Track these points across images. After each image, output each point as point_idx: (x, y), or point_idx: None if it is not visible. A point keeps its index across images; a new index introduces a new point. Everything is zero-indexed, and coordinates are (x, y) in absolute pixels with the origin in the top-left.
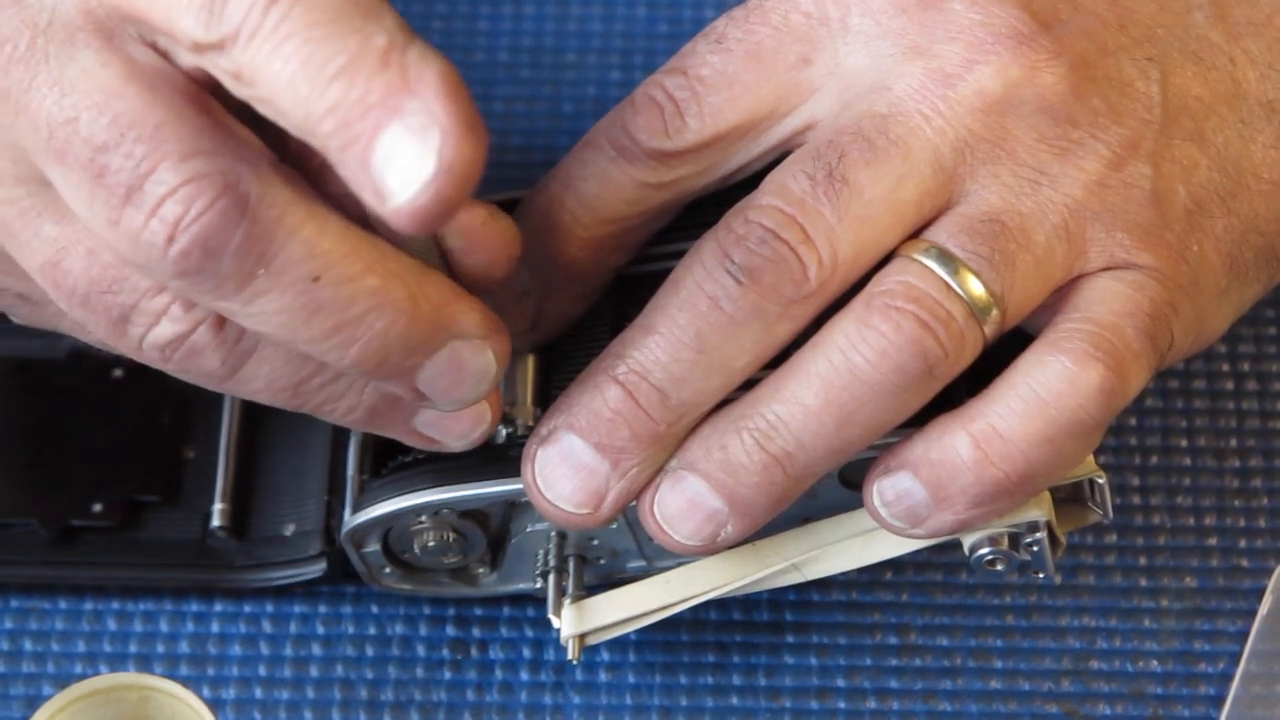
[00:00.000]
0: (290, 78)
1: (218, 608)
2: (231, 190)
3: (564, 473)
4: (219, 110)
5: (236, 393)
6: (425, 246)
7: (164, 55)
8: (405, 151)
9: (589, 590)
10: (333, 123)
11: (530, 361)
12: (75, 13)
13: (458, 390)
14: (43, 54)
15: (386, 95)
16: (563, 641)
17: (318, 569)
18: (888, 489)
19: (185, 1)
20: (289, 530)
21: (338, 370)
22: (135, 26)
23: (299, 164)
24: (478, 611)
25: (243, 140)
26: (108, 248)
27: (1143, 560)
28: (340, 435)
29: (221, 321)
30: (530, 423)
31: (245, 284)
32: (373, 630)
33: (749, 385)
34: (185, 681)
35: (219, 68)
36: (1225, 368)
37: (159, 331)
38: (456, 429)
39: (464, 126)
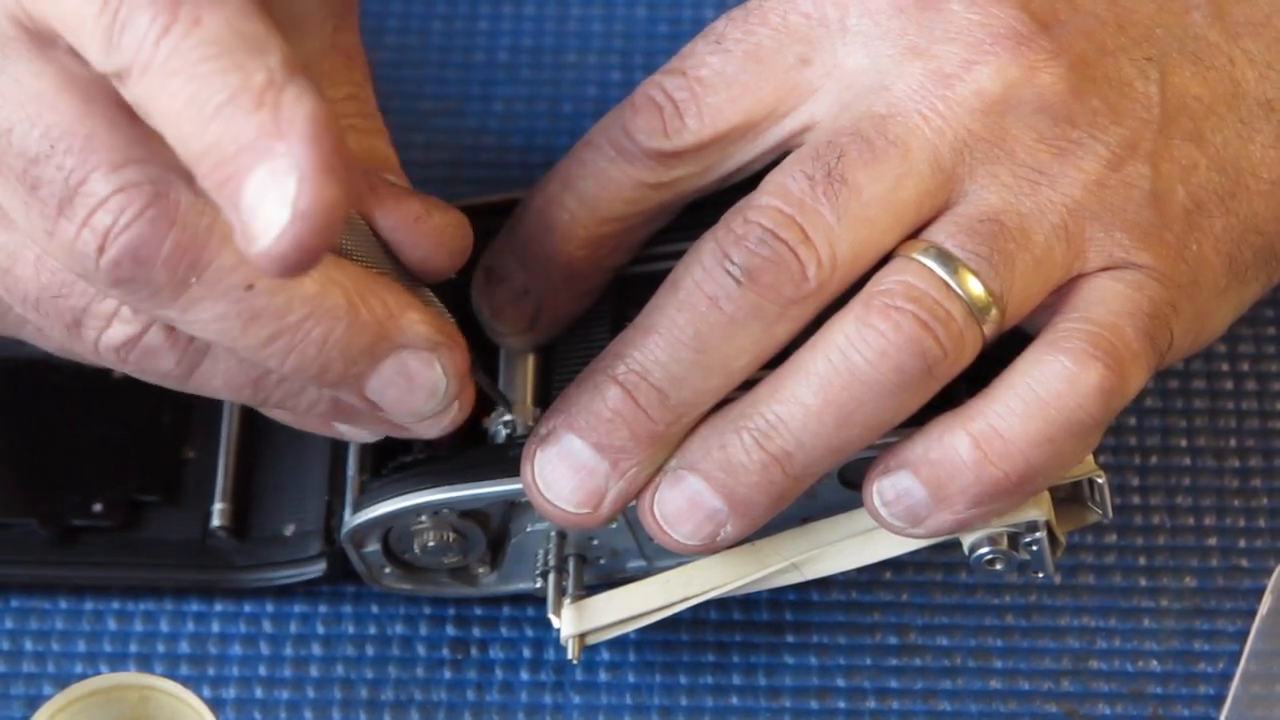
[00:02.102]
0: (176, 114)
1: (218, 608)
2: (161, 199)
3: (563, 472)
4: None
5: (198, 391)
6: (370, 251)
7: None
8: (268, 196)
9: (589, 590)
10: (208, 163)
11: (530, 361)
12: (7, 23)
13: (409, 402)
14: None
15: (258, 137)
16: (562, 641)
17: (318, 569)
18: (887, 488)
19: (88, 29)
20: (289, 530)
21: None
22: (62, 39)
23: None
24: (478, 611)
25: (173, 151)
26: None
27: (1142, 560)
28: None
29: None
30: (530, 422)
31: (179, 292)
32: (373, 630)
33: (748, 385)
34: (185, 681)
35: (125, 95)
36: (1225, 367)
37: (112, 334)
38: (427, 420)
39: (323, 171)
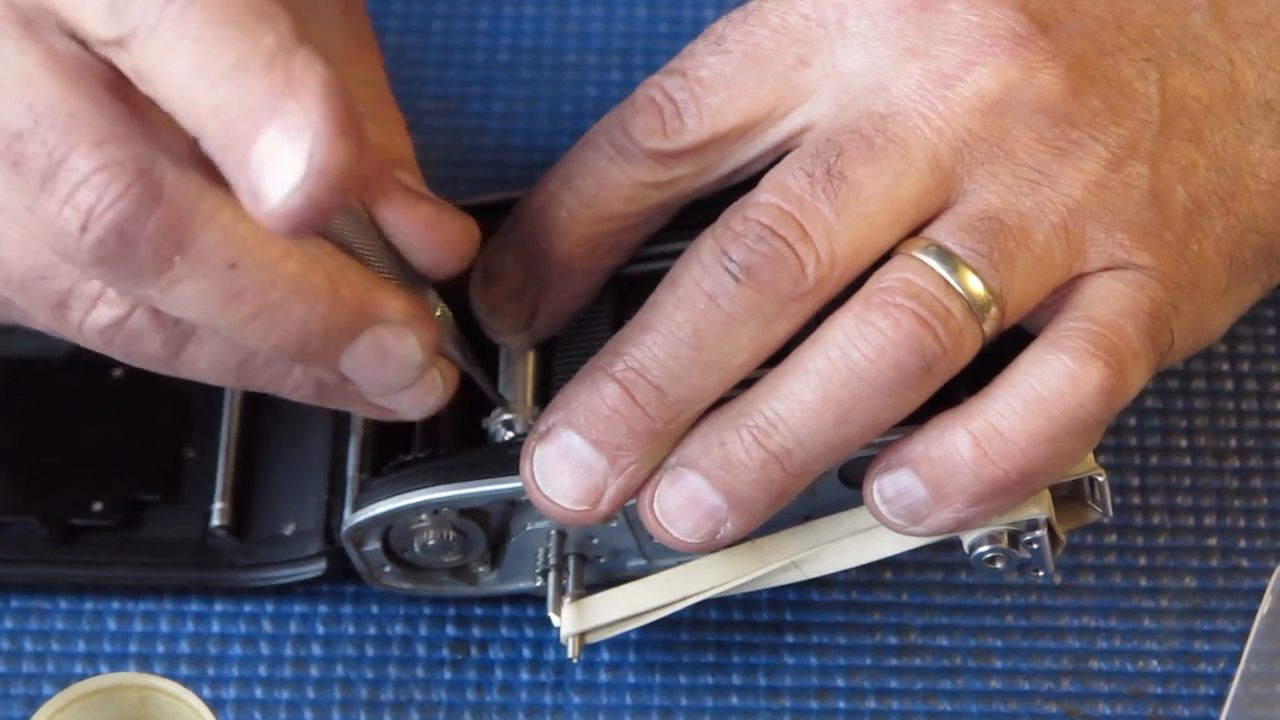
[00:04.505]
0: (183, 78)
1: (218, 607)
2: (145, 177)
3: (562, 469)
4: (137, 97)
5: (183, 374)
6: (362, 230)
7: (82, 44)
8: (280, 154)
9: (589, 589)
10: (216, 123)
11: (530, 361)
12: None
13: (382, 375)
14: None
15: (269, 97)
16: (563, 639)
17: (318, 568)
18: (888, 486)
19: None
20: (289, 529)
21: (264, 354)
22: (53, 16)
23: None
24: (478, 611)
25: (159, 126)
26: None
27: (1143, 560)
28: (340, 434)
29: None
30: (530, 421)
31: (162, 271)
32: (373, 630)
33: (748, 384)
34: (185, 681)
35: (123, 65)
36: (1225, 367)
37: (97, 316)
38: (408, 399)
39: (338, 130)
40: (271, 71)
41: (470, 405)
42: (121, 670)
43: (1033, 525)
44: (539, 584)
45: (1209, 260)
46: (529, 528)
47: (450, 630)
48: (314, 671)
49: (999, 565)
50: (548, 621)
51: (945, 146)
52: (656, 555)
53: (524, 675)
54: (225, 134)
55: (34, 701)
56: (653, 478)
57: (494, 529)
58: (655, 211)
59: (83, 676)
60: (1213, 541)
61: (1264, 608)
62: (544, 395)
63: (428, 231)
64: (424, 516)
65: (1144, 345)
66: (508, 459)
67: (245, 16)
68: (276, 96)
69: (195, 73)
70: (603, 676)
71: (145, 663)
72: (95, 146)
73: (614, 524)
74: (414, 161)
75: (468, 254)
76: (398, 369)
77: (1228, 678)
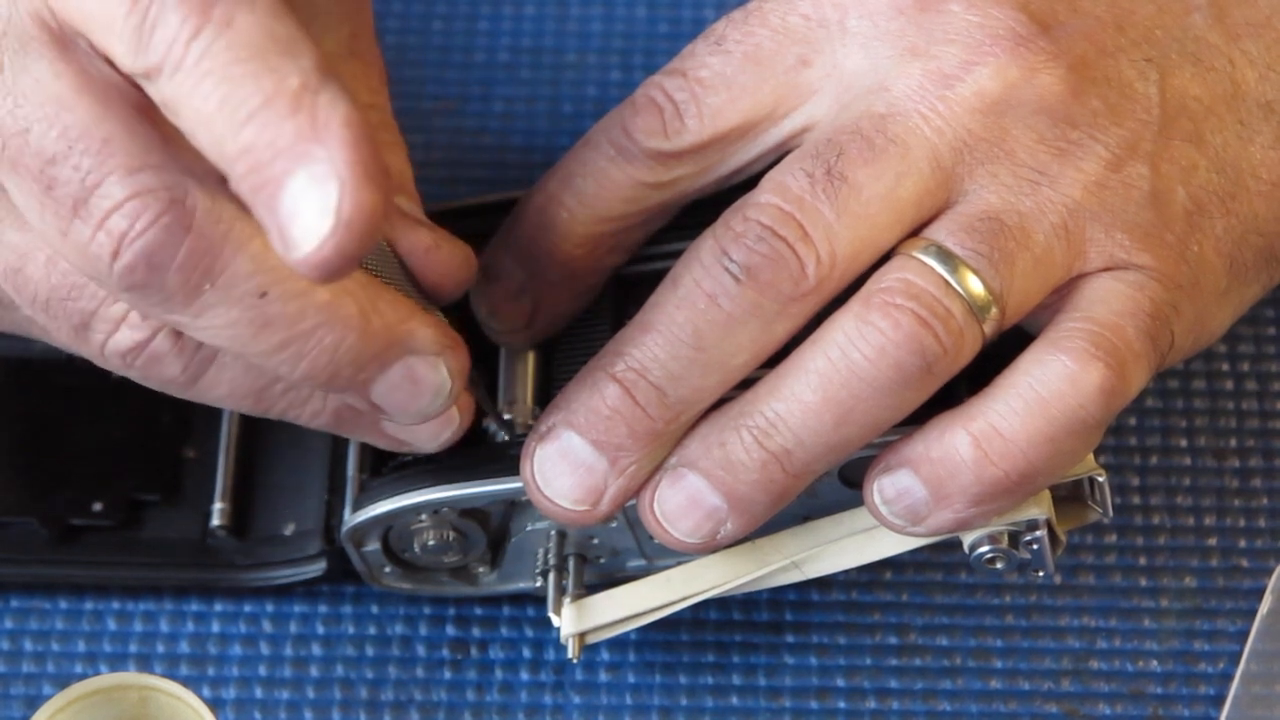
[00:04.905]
0: (209, 116)
1: (218, 607)
2: (177, 205)
3: (562, 470)
4: (169, 123)
5: (201, 399)
6: (382, 258)
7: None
8: (307, 202)
9: (589, 589)
10: (244, 165)
11: (530, 361)
12: (30, 22)
13: (413, 404)
14: None
15: (295, 141)
16: (563, 640)
17: (318, 568)
18: (888, 486)
19: (117, 28)
20: (289, 529)
21: (291, 382)
22: (86, 39)
23: None
24: (478, 611)
25: (191, 151)
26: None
27: (1142, 560)
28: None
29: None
30: (530, 421)
31: (192, 298)
32: (373, 630)
33: (748, 384)
34: (185, 681)
35: (152, 94)
36: (1225, 367)
37: (119, 338)
38: (424, 431)
39: (364, 177)
40: (297, 114)
41: None
42: (121, 670)
43: (1033, 525)
44: (539, 584)
45: (1209, 261)
46: (529, 528)
47: (450, 630)
48: (314, 671)
49: (999, 565)
50: (548, 621)
51: (945, 146)
52: (656, 555)
53: (524, 675)
54: (253, 177)
55: (34, 701)
56: (653, 478)
57: (494, 529)
58: (655, 211)
59: (83, 676)
60: (1213, 541)
61: (1264, 608)
62: (544, 395)
63: (425, 257)
64: (424, 516)
65: (1144, 346)
66: (508, 459)
67: (270, 52)
68: (302, 141)
69: (221, 111)
70: (603, 676)
71: (145, 663)
72: (129, 174)
73: (614, 524)
74: (413, 187)
75: (464, 281)
76: (430, 397)
77: (1228, 678)
